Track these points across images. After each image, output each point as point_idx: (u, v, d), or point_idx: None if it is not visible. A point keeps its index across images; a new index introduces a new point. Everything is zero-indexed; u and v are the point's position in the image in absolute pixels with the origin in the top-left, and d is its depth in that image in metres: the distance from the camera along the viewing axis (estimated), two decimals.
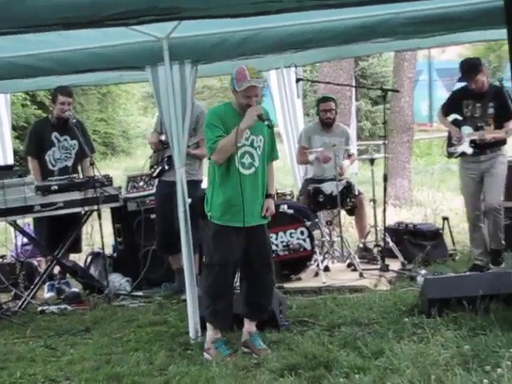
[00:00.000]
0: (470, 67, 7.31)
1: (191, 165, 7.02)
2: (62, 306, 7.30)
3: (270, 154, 5.56)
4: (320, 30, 5.82)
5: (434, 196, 12.88)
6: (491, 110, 7.32)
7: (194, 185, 6.89)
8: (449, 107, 7.71)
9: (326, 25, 5.83)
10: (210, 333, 5.51)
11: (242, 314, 5.59)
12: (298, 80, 8.80)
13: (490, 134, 7.24)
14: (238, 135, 5.21)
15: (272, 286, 5.69)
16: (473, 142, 7.36)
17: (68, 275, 8.08)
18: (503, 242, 7.42)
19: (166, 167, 7.33)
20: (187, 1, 4.18)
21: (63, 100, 7.72)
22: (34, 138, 7.95)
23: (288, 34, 5.92)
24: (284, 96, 9.40)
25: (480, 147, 7.34)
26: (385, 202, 7.97)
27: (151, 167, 7.61)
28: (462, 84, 7.48)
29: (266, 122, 5.27)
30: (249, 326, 5.58)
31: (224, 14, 4.43)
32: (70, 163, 7.93)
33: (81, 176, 7.93)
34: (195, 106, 7.06)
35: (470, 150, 7.40)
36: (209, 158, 5.46)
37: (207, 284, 5.50)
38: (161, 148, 7.41)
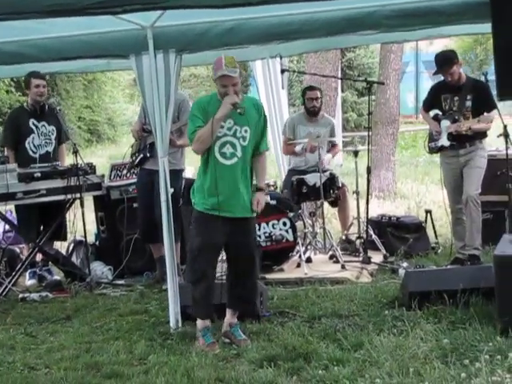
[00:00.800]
0: (444, 60, 7.36)
1: (173, 154, 7.00)
2: (44, 294, 7.28)
3: (258, 145, 5.52)
4: (305, 22, 5.79)
5: (418, 189, 12.92)
6: (469, 103, 7.36)
7: (175, 174, 6.87)
8: (429, 102, 7.76)
9: (312, 16, 5.80)
10: (199, 321, 5.50)
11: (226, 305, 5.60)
12: (282, 71, 8.80)
13: (464, 124, 7.28)
14: (213, 125, 5.20)
15: (254, 280, 5.66)
16: (451, 135, 7.40)
17: (50, 263, 8.05)
18: (480, 248, 7.43)
19: (148, 155, 7.31)
20: None
21: (37, 82, 7.67)
22: (11, 128, 7.89)
23: (273, 24, 5.89)
24: (269, 86, 9.37)
25: (458, 140, 7.38)
26: (368, 194, 7.98)
27: (132, 155, 7.59)
28: (440, 78, 7.53)
29: (238, 111, 5.24)
30: (230, 317, 5.59)
31: (208, 4, 4.40)
32: (50, 149, 7.89)
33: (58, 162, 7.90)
34: (177, 95, 7.05)
35: (447, 143, 7.44)
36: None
37: (188, 269, 5.58)
38: (142, 136, 7.39)
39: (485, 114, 7.25)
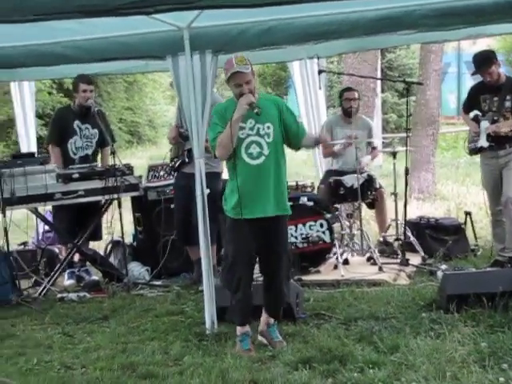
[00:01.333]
0: (482, 60, 7.29)
1: (211, 157, 6.99)
2: (81, 294, 7.33)
3: (297, 134, 5.39)
4: (342, 21, 5.76)
5: (459, 190, 12.78)
6: (508, 104, 7.27)
7: (213, 176, 6.88)
8: (468, 104, 7.68)
9: (349, 16, 5.77)
10: (237, 327, 5.42)
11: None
12: (320, 72, 8.74)
13: (504, 126, 7.18)
14: (232, 127, 5.13)
15: (281, 282, 5.48)
16: (489, 136, 7.31)
17: (88, 263, 8.11)
18: None
19: (187, 160, 7.32)
20: None
21: (85, 88, 7.76)
22: (57, 126, 8.01)
23: (311, 24, 5.85)
24: (307, 87, 9.33)
25: (497, 141, 7.29)
26: (406, 196, 7.90)
27: (171, 160, 7.60)
28: (479, 79, 7.45)
29: (256, 110, 5.16)
30: (266, 317, 5.54)
31: (243, 4, 4.39)
32: (90, 152, 7.98)
33: (100, 165, 7.95)
34: (213, 97, 7.05)
35: (486, 144, 7.36)
36: (215, 157, 5.50)
37: (224, 277, 5.50)
38: (180, 141, 7.40)
39: None
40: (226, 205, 5.40)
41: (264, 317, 5.55)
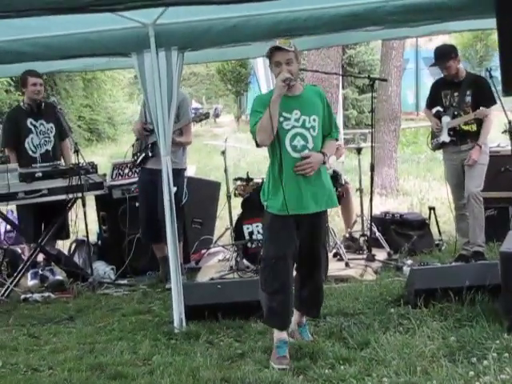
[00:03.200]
0: (441, 53, 7.41)
1: (174, 153, 6.94)
2: (46, 294, 7.23)
3: (329, 132, 5.16)
4: (310, 18, 5.72)
5: (421, 185, 12.90)
6: (468, 98, 7.38)
7: (177, 173, 6.83)
8: (431, 100, 7.77)
9: (316, 12, 5.73)
10: (276, 332, 5.10)
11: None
12: None
13: (463, 119, 7.30)
14: (270, 108, 4.83)
15: (318, 283, 5.30)
16: (451, 131, 7.39)
17: (53, 263, 8.01)
18: (483, 244, 7.41)
19: (150, 154, 7.27)
20: None
21: (34, 81, 7.63)
22: (9, 130, 7.83)
23: (278, 21, 5.80)
24: (271, 83, 9.33)
25: (459, 136, 7.38)
26: (372, 192, 7.94)
27: (134, 155, 7.54)
28: (437, 72, 7.56)
29: (292, 83, 4.90)
30: (298, 317, 5.38)
31: (211, 1, 4.35)
32: (49, 147, 7.84)
33: (62, 160, 7.84)
34: (178, 93, 7.01)
35: (447, 139, 7.46)
36: (257, 146, 5.11)
37: (263, 279, 5.08)
38: (144, 135, 7.35)
39: (481, 108, 7.21)
40: (268, 200, 5.07)
41: (296, 316, 5.35)
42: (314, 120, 5.03)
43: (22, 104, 7.98)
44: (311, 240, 5.11)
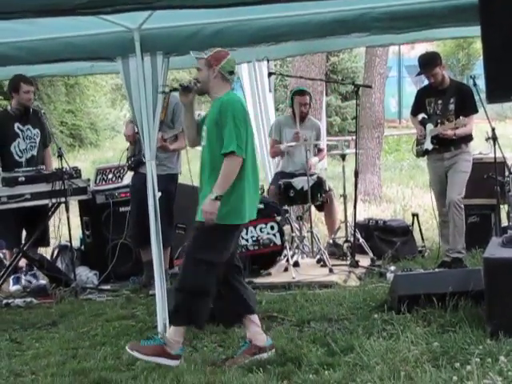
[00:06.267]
0: (427, 61, 7.43)
1: (169, 158, 6.92)
2: (28, 299, 7.21)
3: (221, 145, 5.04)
4: (295, 24, 5.76)
5: (404, 192, 12.94)
6: (452, 106, 7.42)
7: (171, 178, 6.81)
8: (415, 107, 7.80)
9: (301, 18, 5.77)
10: (179, 330, 5.14)
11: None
12: (270, 74, 8.75)
13: (447, 127, 7.32)
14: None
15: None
16: (435, 139, 7.43)
17: (35, 268, 7.96)
18: (463, 251, 7.43)
19: (143, 159, 7.24)
20: None
21: (27, 88, 7.60)
22: None
23: (263, 27, 5.84)
24: (255, 89, 9.32)
25: (442, 144, 7.41)
26: (356, 198, 7.95)
27: (128, 159, 7.51)
28: (423, 81, 7.60)
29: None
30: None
31: (199, 5, 4.35)
32: (35, 152, 7.81)
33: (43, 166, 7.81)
34: (171, 97, 6.99)
35: (430, 147, 7.50)
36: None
37: (190, 276, 5.06)
38: (137, 140, 7.32)
39: (461, 117, 7.25)
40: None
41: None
42: (205, 131, 5.19)
43: (9, 108, 7.91)
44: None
